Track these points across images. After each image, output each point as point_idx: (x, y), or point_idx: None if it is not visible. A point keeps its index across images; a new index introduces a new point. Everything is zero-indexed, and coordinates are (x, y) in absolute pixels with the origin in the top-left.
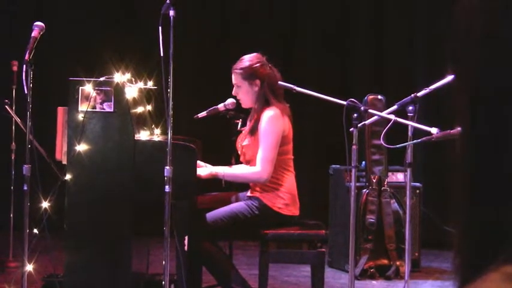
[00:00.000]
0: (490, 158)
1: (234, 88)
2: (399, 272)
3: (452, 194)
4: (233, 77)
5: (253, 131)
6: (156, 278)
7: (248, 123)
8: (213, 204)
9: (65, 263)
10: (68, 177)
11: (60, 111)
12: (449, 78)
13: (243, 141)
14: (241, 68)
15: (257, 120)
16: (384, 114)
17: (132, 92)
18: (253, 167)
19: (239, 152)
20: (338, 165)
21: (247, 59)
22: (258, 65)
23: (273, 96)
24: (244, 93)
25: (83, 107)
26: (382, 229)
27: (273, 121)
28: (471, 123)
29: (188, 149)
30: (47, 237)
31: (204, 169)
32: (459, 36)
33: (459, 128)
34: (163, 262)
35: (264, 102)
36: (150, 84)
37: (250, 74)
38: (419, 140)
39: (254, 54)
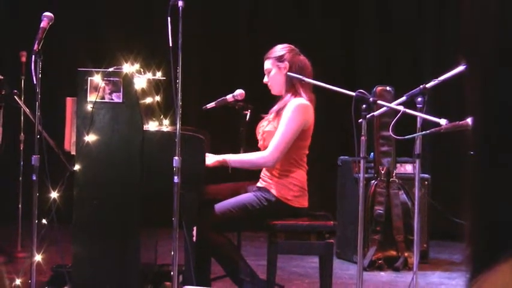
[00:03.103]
0: (504, 150)
1: (266, 76)
2: (407, 264)
3: (465, 186)
4: (265, 64)
5: (278, 117)
6: (164, 269)
7: (275, 109)
8: (221, 195)
9: (74, 253)
10: (76, 167)
11: (69, 101)
12: (459, 69)
13: (265, 127)
14: (272, 53)
15: (283, 107)
16: (392, 105)
17: (140, 82)
18: (261, 152)
19: (258, 137)
20: (346, 157)
21: (279, 46)
22: (288, 48)
23: (300, 84)
24: (273, 77)
25: (92, 97)
26: (391, 220)
27: (298, 110)
28: (484, 113)
29: (197, 139)
30: (55, 227)
31: (210, 157)
32: (473, 24)
33: (469, 119)
34: (172, 253)
35: (292, 90)
36: (158, 74)
37: (279, 57)
38: (428, 132)
39: (287, 44)
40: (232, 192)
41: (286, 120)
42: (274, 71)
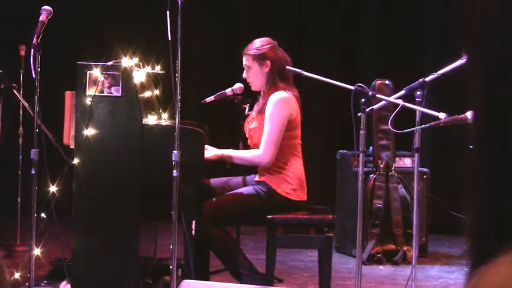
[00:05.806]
0: (505, 142)
1: (245, 70)
2: (406, 257)
3: (464, 180)
4: (244, 59)
5: (261, 114)
6: (163, 263)
7: (256, 106)
8: (220, 189)
9: (73, 247)
10: (75, 161)
11: (68, 95)
12: (458, 62)
13: (250, 124)
14: (252, 49)
15: (265, 103)
16: (391, 99)
17: (139, 76)
18: (256, 150)
19: (247, 136)
20: (345, 150)
21: (259, 41)
22: (268, 46)
23: (281, 80)
24: (254, 75)
25: (91, 91)
26: (390, 214)
27: (279, 104)
28: (485, 104)
29: (196, 133)
30: (54, 221)
31: (210, 150)
32: (476, 17)
33: (468, 113)
34: (171, 247)
35: (272, 85)
36: (157, 68)
37: (260, 55)
38: (427, 125)
39: (266, 38)
40: (231, 186)
41: (271, 116)
42: (255, 69)
